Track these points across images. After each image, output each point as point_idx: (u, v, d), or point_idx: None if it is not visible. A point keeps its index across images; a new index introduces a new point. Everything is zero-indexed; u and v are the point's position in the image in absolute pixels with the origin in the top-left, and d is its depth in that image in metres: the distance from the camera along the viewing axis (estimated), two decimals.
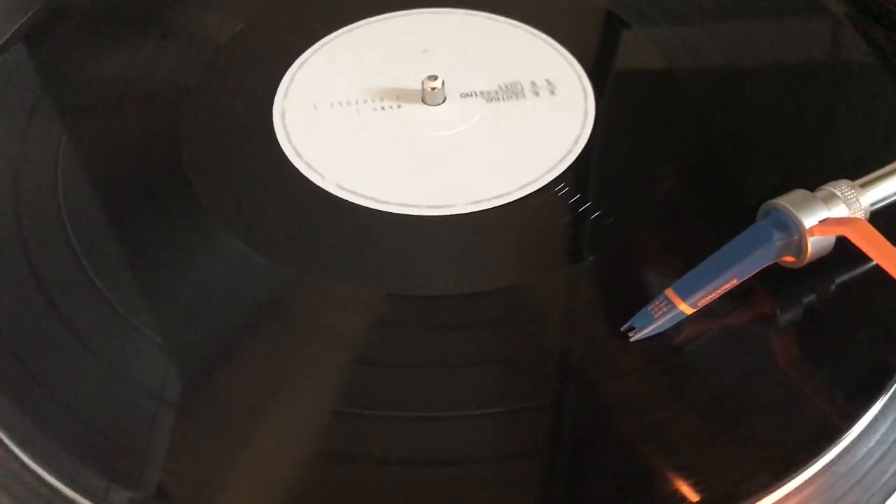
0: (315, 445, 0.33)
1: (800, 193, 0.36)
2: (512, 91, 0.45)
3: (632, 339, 0.35)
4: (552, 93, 0.44)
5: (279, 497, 0.31)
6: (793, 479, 0.31)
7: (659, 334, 0.35)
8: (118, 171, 0.42)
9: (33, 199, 0.41)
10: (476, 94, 0.45)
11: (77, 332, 0.36)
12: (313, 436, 0.33)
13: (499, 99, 0.45)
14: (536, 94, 0.44)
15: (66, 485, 0.32)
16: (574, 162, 0.42)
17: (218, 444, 0.32)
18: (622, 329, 0.35)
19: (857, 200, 0.36)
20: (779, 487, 0.31)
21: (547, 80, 0.44)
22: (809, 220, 0.35)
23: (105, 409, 0.33)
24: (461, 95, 0.45)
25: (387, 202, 0.40)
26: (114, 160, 0.43)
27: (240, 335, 0.36)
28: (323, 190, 0.41)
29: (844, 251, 0.36)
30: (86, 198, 0.41)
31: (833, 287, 0.37)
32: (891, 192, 0.37)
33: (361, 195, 0.41)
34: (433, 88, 0.44)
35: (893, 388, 0.34)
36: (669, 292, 0.35)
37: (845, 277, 0.37)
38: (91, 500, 0.31)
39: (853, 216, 0.36)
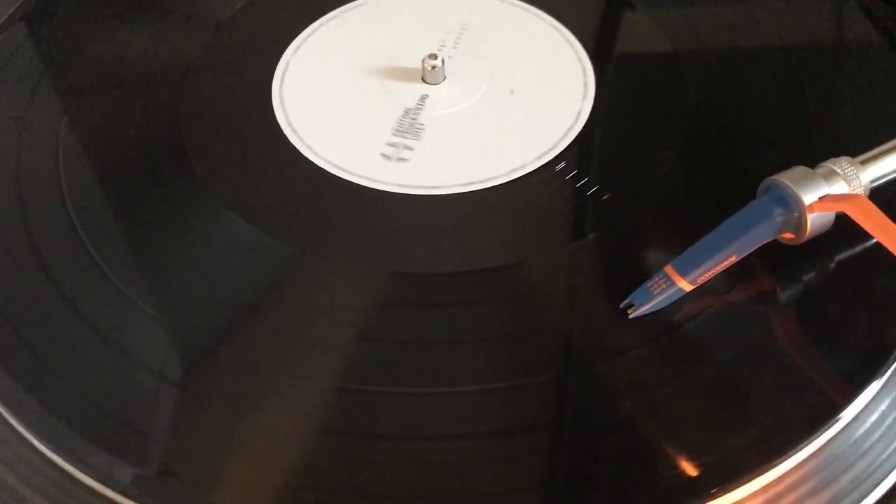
0: (318, 423, 0.33)
1: (800, 170, 0.36)
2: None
3: (630, 316, 0.35)
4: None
5: (283, 474, 0.31)
6: (791, 456, 0.31)
7: (658, 311, 0.35)
8: (119, 150, 0.42)
9: (35, 179, 0.41)
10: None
11: (80, 310, 0.36)
12: (317, 413, 0.33)
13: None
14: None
15: (70, 462, 0.32)
16: (574, 140, 0.42)
17: (222, 421, 0.33)
18: (621, 306, 0.35)
19: (857, 177, 0.36)
20: (777, 464, 0.31)
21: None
22: (809, 197, 0.35)
23: (109, 387, 0.34)
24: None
25: (389, 181, 0.40)
26: (115, 140, 0.43)
27: (242, 314, 0.36)
28: (324, 169, 0.41)
29: (844, 228, 0.35)
30: (87, 178, 0.41)
31: (832, 265, 0.36)
32: (891, 168, 0.37)
33: (363, 174, 0.41)
34: (433, 67, 0.44)
35: (893, 366, 0.34)
36: (669, 269, 0.35)
37: (845, 255, 0.37)
38: (95, 477, 0.32)
39: (853, 193, 0.36)
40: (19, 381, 0.34)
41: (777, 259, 0.36)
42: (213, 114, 0.44)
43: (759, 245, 0.35)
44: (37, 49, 0.47)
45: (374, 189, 0.40)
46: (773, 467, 0.31)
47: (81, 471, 0.32)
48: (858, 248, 0.37)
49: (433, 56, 0.44)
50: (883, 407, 0.34)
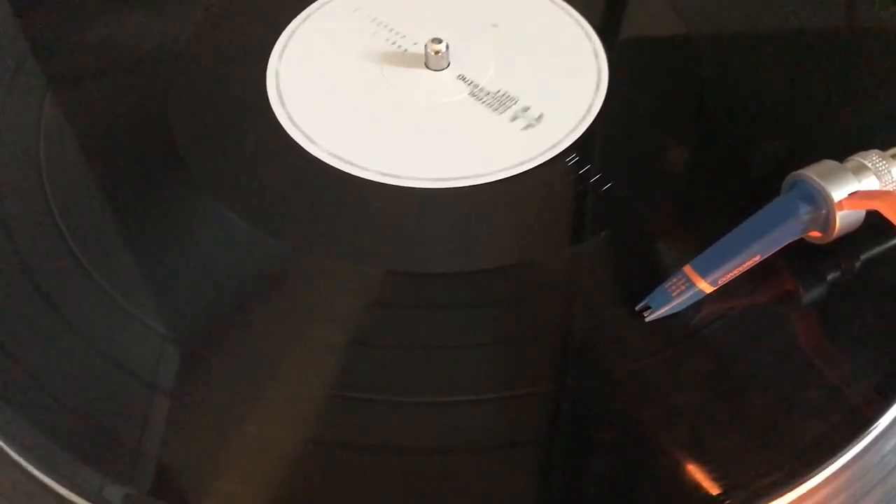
0: (312, 433, 0.31)
1: (828, 164, 0.34)
2: (502, 103, 0.42)
3: (647, 319, 0.33)
4: (538, 121, 0.41)
5: (274, 487, 0.30)
6: (817, 473, 0.30)
7: (676, 314, 0.33)
8: (105, 142, 0.41)
9: (14, 173, 0.39)
10: (470, 82, 0.42)
11: (63, 315, 0.34)
12: (310, 423, 0.32)
13: (484, 103, 0.42)
14: (520, 118, 0.41)
15: (58, 482, 0.31)
16: (586, 132, 0.40)
17: (213, 432, 0.31)
18: (637, 308, 0.33)
19: (889, 172, 0.34)
20: (802, 483, 0.30)
21: (541, 113, 0.41)
22: (838, 193, 0.33)
23: (96, 399, 0.32)
24: (457, 77, 0.43)
25: (388, 173, 0.39)
26: (100, 130, 0.41)
27: (233, 314, 0.34)
28: (320, 160, 0.39)
29: (873, 226, 0.34)
30: (70, 171, 0.39)
31: (858, 264, 0.35)
32: None
33: (361, 166, 0.39)
34: (437, 52, 0.42)
35: None
36: (688, 269, 0.33)
37: (871, 253, 0.35)
38: (84, 496, 0.30)
39: (885, 189, 0.34)
40: (1, 394, 0.32)
41: (800, 258, 0.35)
42: (205, 102, 0.42)
43: (784, 244, 0.34)
44: (18, 33, 0.46)
45: (373, 182, 0.38)
46: (797, 486, 0.30)
47: (69, 490, 0.30)
48: (886, 246, 0.35)
49: (437, 41, 0.42)
50: None
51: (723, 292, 0.33)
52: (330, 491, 0.30)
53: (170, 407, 0.32)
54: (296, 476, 0.30)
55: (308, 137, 0.40)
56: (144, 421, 0.31)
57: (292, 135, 0.40)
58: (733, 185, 0.38)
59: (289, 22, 0.45)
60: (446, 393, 0.32)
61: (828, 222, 0.34)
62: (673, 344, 0.33)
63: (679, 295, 0.33)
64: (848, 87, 0.41)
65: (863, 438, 0.31)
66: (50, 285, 0.35)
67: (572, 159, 0.39)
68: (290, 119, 0.41)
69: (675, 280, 0.33)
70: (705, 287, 0.33)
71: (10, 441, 0.31)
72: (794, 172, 0.35)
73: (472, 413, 0.31)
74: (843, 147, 0.35)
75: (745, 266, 0.33)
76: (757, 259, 0.33)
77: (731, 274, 0.33)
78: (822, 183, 0.33)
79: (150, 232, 0.37)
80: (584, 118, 0.40)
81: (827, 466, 0.30)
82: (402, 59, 0.43)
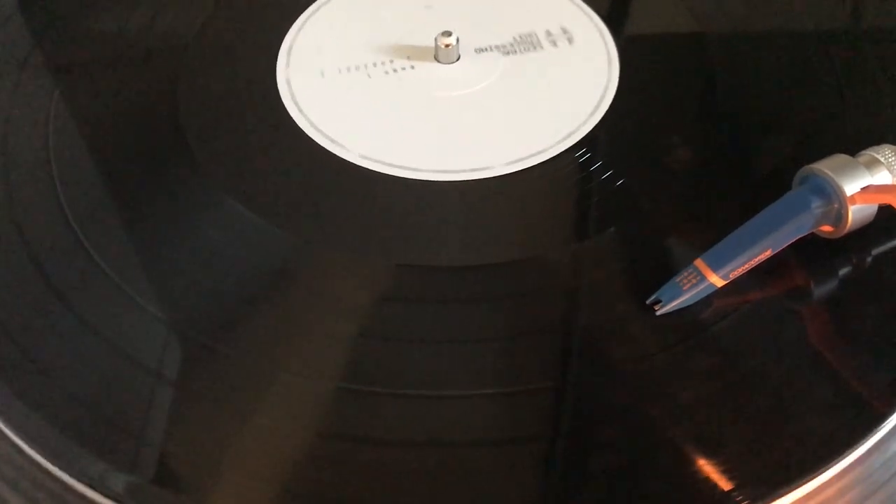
0: (319, 425, 0.31)
1: (840, 158, 0.34)
2: (528, 42, 0.42)
3: (658, 313, 0.33)
4: (570, 41, 0.41)
5: (279, 477, 0.30)
6: (827, 469, 0.30)
7: (686, 308, 0.33)
8: (113, 133, 0.41)
9: (23, 162, 0.39)
10: (491, 48, 0.43)
11: (71, 305, 0.34)
12: (317, 417, 0.32)
13: (515, 52, 0.42)
14: (554, 43, 0.41)
15: (61, 468, 0.30)
16: (596, 126, 0.40)
17: (218, 424, 0.31)
18: (648, 302, 0.33)
19: None
20: (812, 479, 0.29)
21: (563, 28, 0.42)
22: (850, 187, 0.33)
23: (101, 388, 0.32)
24: (476, 51, 0.43)
25: (398, 167, 0.38)
26: (109, 122, 0.41)
27: (241, 307, 0.34)
28: (330, 153, 0.39)
29: (886, 221, 0.34)
30: (79, 162, 0.39)
31: (870, 259, 0.35)
32: None
33: (371, 159, 0.39)
34: (447, 45, 0.42)
35: None
36: (699, 263, 0.33)
37: (885, 248, 0.35)
38: (87, 483, 0.30)
39: None
40: (7, 381, 0.32)
41: (811, 252, 0.34)
42: (214, 94, 0.42)
43: (796, 238, 0.34)
44: (27, 23, 0.45)
45: (384, 175, 0.38)
46: (807, 482, 0.29)
47: (72, 477, 0.30)
48: None
49: (447, 34, 0.42)
50: None
51: (733, 287, 0.33)
52: (335, 483, 0.30)
53: (175, 397, 0.32)
54: (300, 467, 0.30)
55: (318, 130, 0.40)
56: (149, 410, 0.31)
57: (303, 127, 0.40)
58: (745, 180, 0.38)
59: (300, 13, 0.45)
60: (454, 387, 0.32)
61: (840, 216, 0.33)
62: (683, 339, 0.32)
63: (690, 289, 0.33)
64: (860, 82, 0.41)
65: (874, 435, 0.30)
66: (58, 275, 0.35)
67: (581, 155, 0.39)
68: (301, 112, 0.41)
69: (686, 274, 0.33)
70: (716, 281, 0.33)
71: (15, 428, 0.31)
72: (805, 166, 0.34)
73: (480, 407, 0.31)
74: (856, 142, 0.35)
75: (756, 260, 0.33)
76: (768, 253, 0.33)
77: (742, 268, 0.33)
78: (834, 177, 0.33)
79: (160, 223, 0.37)
80: (593, 114, 0.40)
81: (837, 462, 0.30)
82: (412, 52, 0.43)
